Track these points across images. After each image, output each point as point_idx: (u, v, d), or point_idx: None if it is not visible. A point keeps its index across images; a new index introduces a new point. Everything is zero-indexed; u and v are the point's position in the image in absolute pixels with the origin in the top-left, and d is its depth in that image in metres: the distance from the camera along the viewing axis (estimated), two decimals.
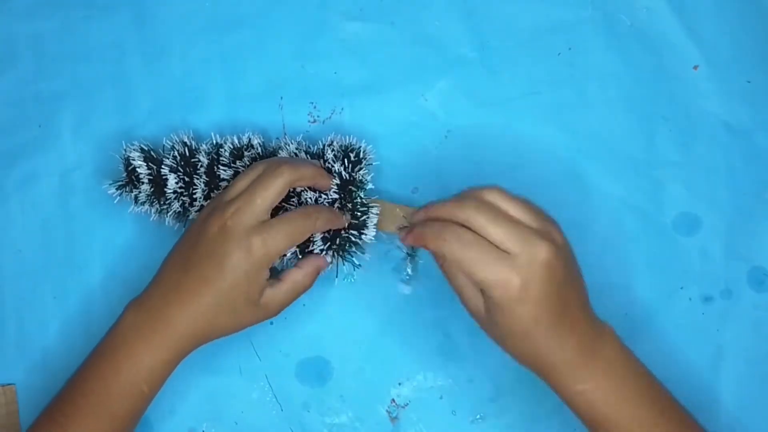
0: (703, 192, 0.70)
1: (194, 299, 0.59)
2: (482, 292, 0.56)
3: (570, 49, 0.71)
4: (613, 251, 0.70)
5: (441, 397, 0.69)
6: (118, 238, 0.70)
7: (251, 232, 0.58)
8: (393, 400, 0.69)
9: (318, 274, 0.64)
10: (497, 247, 0.54)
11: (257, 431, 0.69)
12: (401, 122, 0.71)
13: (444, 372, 0.69)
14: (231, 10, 0.72)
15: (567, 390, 0.57)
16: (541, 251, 0.54)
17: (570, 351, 0.56)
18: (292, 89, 0.71)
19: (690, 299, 0.70)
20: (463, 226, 0.55)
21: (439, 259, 0.58)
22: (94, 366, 0.61)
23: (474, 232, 0.54)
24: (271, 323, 0.70)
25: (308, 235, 0.61)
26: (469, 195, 0.56)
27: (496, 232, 0.54)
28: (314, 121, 0.71)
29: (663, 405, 0.59)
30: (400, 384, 0.70)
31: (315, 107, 0.71)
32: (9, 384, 0.69)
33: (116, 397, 0.60)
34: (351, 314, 0.70)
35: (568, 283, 0.55)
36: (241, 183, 0.60)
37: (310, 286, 0.64)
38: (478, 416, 0.70)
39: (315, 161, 0.65)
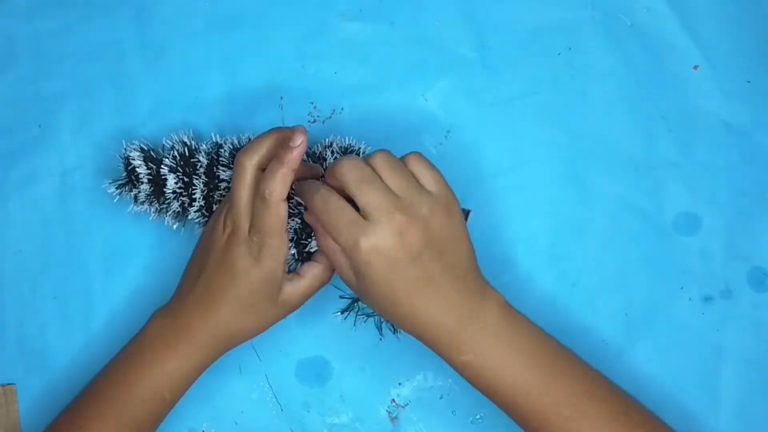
0: (703, 192, 0.70)
1: (213, 309, 0.60)
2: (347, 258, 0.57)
3: (570, 49, 0.71)
4: (613, 251, 0.70)
5: (441, 397, 0.69)
6: (118, 238, 0.70)
7: (255, 242, 0.59)
8: (393, 400, 0.69)
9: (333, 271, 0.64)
10: (358, 212, 0.55)
11: (257, 431, 0.69)
12: (401, 122, 0.71)
13: (444, 372, 0.69)
14: (231, 10, 0.72)
15: (452, 361, 0.59)
16: (393, 221, 0.54)
17: (446, 320, 0.57)
18: (292, 89, 0.71)
19: (690, 299, 0.70)
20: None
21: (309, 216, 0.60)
22: (118, 371, 0.62)
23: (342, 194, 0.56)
24: None
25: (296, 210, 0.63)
26: (353, 157, 0.57)
27: (359, 197, 0.55)
28: (314, 121, 0.71)
29: (558, 368, 0.59)
30: (400, 384, 0.70)
31: (315, 107, 0.71)
32: (9, 384, 0.69)
33: (139, 402, 0.60)
34: (351, 314, 0.70)
35: (431, 253, 0.56)
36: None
37: (329, 279, 0.64)
38: (478, 416, 0.70)
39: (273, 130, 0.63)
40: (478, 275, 0.60)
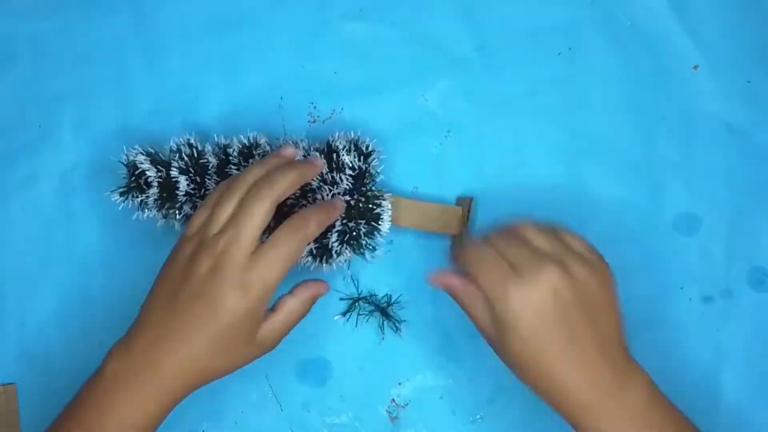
0: (703, 192, 0.70)
1: (184, 344, 0.55)
2: (491, 309, 0.56)
3: (570, 49, 0.71)
4: (613, 251, 0.70)
5: (441, 397, 0.69)
6: (118, 238, 0.70)
7: (245, 270, 0.54)
8: (393, 400, 0.69)
9: (315, 301, 0.61)
10: (510, 266, 0.54)
11: (257, 431, 0.69)
12: (401, 122, 0.71)
13: (444, 372, 0.70)
14: (231, 10, 0.72)
15: (582, 428, 0.55)
16: (547, 273, 0.54)
17: (587, 388, 0.54)
18: (292, 89, 0.71)
19: (690, 299, 0.70)
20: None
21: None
22: (77, 417, 0.57)
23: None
24: None
25: (304, 248, 0.60)
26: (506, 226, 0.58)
27: (510, 252, 0.55)
28: (314, 121, 0.71)
29: None
30: (400, 384, 0.70)
31: (315, 107, 0.71)
32: (9, 384, 0.69)
33: None
34: (351, 314, 0.70)
35: (582, 316, 0.54)
36: (225, 209, 0.57)
37: (305, 313, 0.60)
38: (478, 416, 0.70)
39: (291, 157, 0.62)
40: (626, 351, 0.57)
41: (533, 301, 0.53)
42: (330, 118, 0.71)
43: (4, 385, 0.69)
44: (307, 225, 0.57)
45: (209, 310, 0.54)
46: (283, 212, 0.62)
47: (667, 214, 0.71)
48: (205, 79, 0.71)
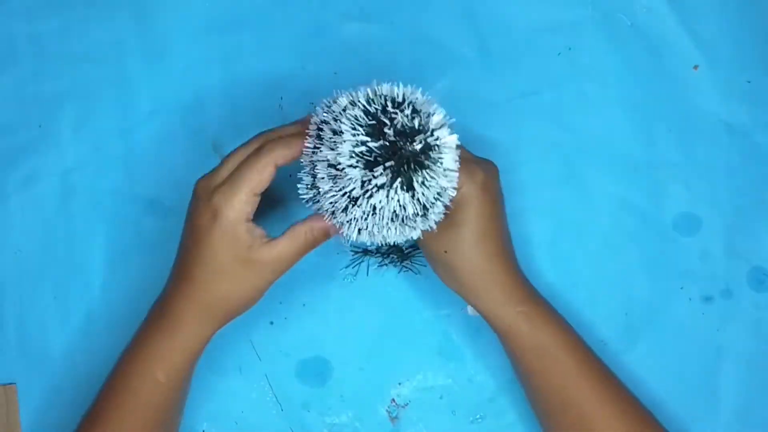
0: (703, 192, 0.70)
1: (186, 279, 0.58)
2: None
3: (570, 49, 0.71)
4: (613, 251, 0.70)
5: (441, 397, 0.69)
6: (118, 238, 0.70)
7: (212, 193, 0.56)
8: (393, 400, 0.69)
9: (326, 236, 0.59)
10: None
11: (257, 431, 0.69)
12: None
13: (444, 372, 0.70)
14: (231, 10, 0.72)
15: (509, 313, 0.61)
16: (490, 170, 0.60)
17: (512, 273, 0.62)
18: (292, 89, 0.71)
19: (690, 299, 0.70)
20: None
21: None
22: (119, 359, 0.62)
23: None
24: (271, 323, 0.70)
25: (268, 178, 0.56)
26: None
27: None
28: None
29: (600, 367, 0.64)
30: (400, 384, 0.70)
31: (315, 107, 0.71)
32: (9, 384, 0.69)
33: (135, 388, 0.59)
34: (351, 314, 0.70)
35: (503, 213, 0.62)
36: (228, 165, 0.58)
37: (314, 241, 0.58)
38: (478, 416, 0.70)
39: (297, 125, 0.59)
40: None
41: (489, 188, 0.59)
42: None
43: (4, 385, 0.69)
44: (271, 151, 0.56)
45: (192, 241, 0.57)
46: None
47: (667, 214, 0.71)
48: (205, 79, 0.71)
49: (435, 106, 0.53)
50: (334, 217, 0.54)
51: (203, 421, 0.69)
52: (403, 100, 0.53)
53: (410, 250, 0.69)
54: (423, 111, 0.53)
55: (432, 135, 0.53)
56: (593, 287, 0.70)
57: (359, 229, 0.54)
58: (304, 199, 0.57)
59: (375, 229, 0.53)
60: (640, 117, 0.71)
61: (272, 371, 0.69)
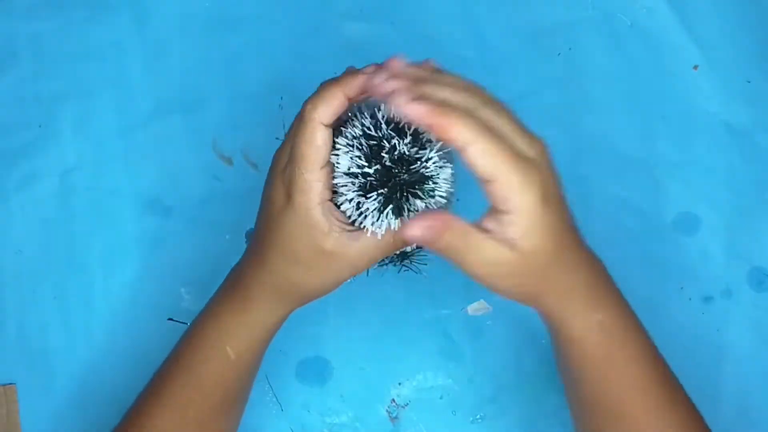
0: (703, 192, 0.70)
1: (260, 260, 0.53)
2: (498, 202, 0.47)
3: (570, 49, 0.71)
4: (613, 251, 0.70)
5: (441, 397, 0.70)
6: (118, 238, 0.70)
7: (284, 170, 0.51)
8: (393, 400, 0.69)
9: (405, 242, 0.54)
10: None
11: (257, 431, 0.69)
12: None
13: (444, 372, 0.70)
14: (231, 10, 0.72)
15: (585, 321, 0.52)
16: (546, 165, 0.50)
17: (585, 273, 0.51)
18: (292, 89, 0.71)
19: (690, 299, 0.70)
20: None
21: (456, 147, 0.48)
22: (187, 332, 0.58)
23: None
24: None
25: (324, 136, 0.51)
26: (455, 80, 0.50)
27: (514, 129, 0.49)
28: None
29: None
30: (400, 384, 0.70)
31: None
32: (9, 384, 0.69)
33: (202, 361, 0.56)
34: (351, 314, 0.70)
35: (568, 215, 0.52)
36: (288, 140, 0.53)
37: (402, 242, 0.53)
38: (478, 416, 0.70)
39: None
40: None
41: (554, 188, 0.50)
42: None
43: (4, 385, 0.69)
44: (312, 115, 0.51)
45: (267, 223, 0.52)
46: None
47: (667, 214, 0.71)
48: (205, 79, 0.71)
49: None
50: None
51: None
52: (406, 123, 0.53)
53: (411, 249, 0.69)
54: (424, 137, 0.53)
55: (428, 166, 0.53)
56: None
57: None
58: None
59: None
60: (640, 117, 0.71)
61: (272, 371, 0.69)
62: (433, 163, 0.53)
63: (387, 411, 0.70)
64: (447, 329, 0.70)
